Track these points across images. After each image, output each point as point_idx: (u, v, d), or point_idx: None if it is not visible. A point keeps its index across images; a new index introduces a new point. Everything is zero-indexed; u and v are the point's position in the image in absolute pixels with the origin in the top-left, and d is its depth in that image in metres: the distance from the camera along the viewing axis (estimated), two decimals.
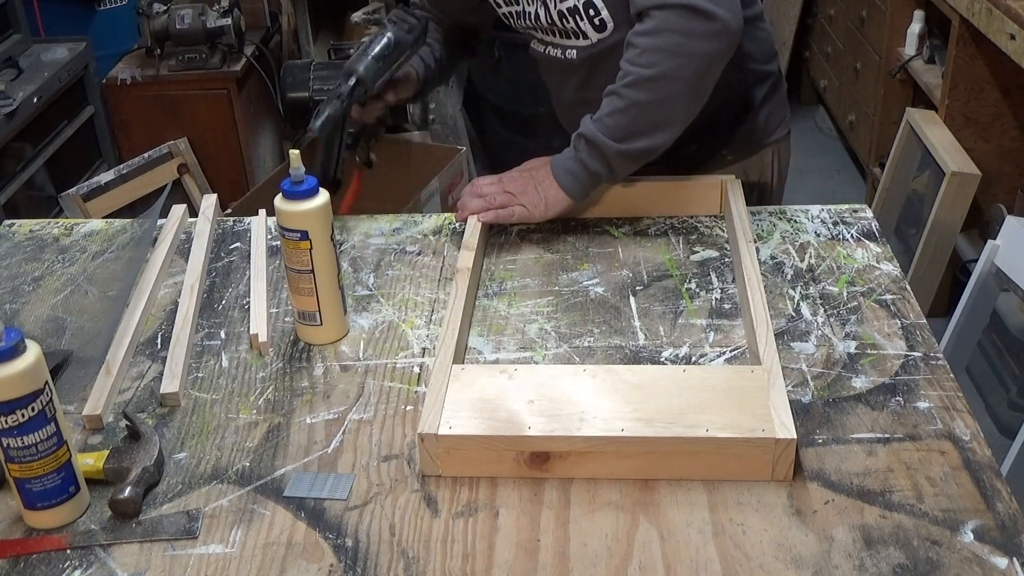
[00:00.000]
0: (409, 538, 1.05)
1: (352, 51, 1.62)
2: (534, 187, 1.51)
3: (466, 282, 1.37)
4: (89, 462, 1.13)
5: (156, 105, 3.14)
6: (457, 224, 1.58)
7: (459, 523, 1.06)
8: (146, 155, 3.08)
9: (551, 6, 1.50)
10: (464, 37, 1.81)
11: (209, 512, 1.09)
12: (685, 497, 1.08)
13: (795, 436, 1.08)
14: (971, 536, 1.02)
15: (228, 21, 3.08)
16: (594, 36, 1.50)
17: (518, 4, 1.55)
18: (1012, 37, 2.41)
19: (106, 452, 1.15)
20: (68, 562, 1.04)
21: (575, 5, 1.47)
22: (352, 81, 1.52)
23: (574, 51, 1.54)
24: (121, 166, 3.03)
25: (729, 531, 1.04)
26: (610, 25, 1.48)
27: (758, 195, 1.70)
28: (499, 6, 1.59)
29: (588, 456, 1.10)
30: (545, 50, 1.60)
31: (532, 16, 1.54)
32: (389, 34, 1.54)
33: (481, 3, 1.61)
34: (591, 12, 1.47)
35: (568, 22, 1.50)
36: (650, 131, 1.42)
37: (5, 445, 1.04)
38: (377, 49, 1.53)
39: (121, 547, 1.06)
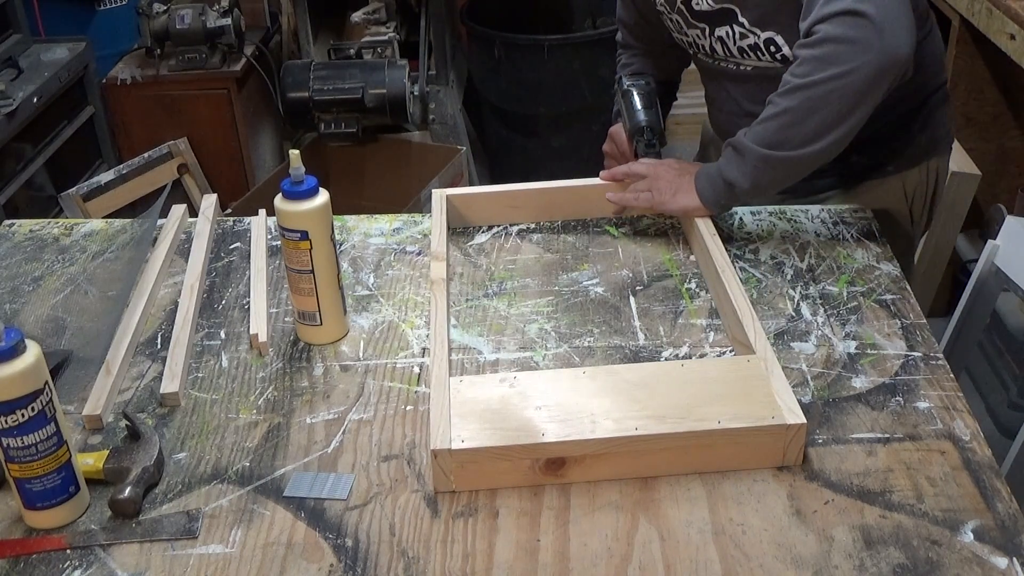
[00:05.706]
0: (409, 538, 1.05)
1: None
2: (677, 177, 1.49)
3: (443, 291, 1.36)
4: (89, 462, 1.13)
5: (156, 105, 3.13)
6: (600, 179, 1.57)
7: (459, 523, 1.06)
8: (146, 155, 3.07)
9: (730, 43, 1.52)
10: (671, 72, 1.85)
11: (209, 512, 1.09)
12: (685, 497, 1.08)
13: (804, 420, 1.09)
14: (971, 536, 1.02)
15: (228, 21, 3.08)
16: (776, 64, 1.51)
17: (689, 36, 1.59)
18: (1012, 37, 2.41)
19: (106, 452, 1.15)
20: (68, 562, 1.04)
21: (755, 43, 1.50)
22: (646, 133, 1.61)
23: (749, 67, 1.55)
24: (121, 166, 3.02)
25: (729, 531, 1.04)
26: (790, 57, 1.47)
27: (912, 208, 1.65)
28: (676, 32, 1.63)
29: (603, 458, 1.10)
30: (716, 64, 1.61)
31: (707, 48, 1.57)
32: (637, 86, 1.66)
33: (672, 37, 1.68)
34: (772, 48, 1.49)
35: (749, 56, 1.52)
36: (798, 142, 1.37)
37: (5, 445, 1.04)
38: (641, 100, 1.64)
39: (121, 547, 1.06)
